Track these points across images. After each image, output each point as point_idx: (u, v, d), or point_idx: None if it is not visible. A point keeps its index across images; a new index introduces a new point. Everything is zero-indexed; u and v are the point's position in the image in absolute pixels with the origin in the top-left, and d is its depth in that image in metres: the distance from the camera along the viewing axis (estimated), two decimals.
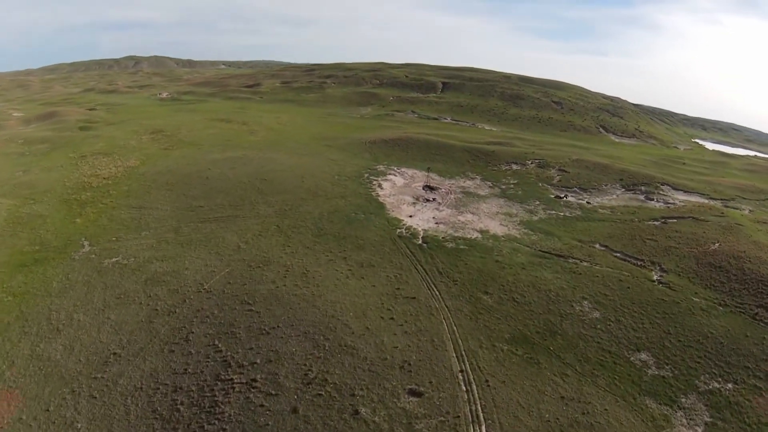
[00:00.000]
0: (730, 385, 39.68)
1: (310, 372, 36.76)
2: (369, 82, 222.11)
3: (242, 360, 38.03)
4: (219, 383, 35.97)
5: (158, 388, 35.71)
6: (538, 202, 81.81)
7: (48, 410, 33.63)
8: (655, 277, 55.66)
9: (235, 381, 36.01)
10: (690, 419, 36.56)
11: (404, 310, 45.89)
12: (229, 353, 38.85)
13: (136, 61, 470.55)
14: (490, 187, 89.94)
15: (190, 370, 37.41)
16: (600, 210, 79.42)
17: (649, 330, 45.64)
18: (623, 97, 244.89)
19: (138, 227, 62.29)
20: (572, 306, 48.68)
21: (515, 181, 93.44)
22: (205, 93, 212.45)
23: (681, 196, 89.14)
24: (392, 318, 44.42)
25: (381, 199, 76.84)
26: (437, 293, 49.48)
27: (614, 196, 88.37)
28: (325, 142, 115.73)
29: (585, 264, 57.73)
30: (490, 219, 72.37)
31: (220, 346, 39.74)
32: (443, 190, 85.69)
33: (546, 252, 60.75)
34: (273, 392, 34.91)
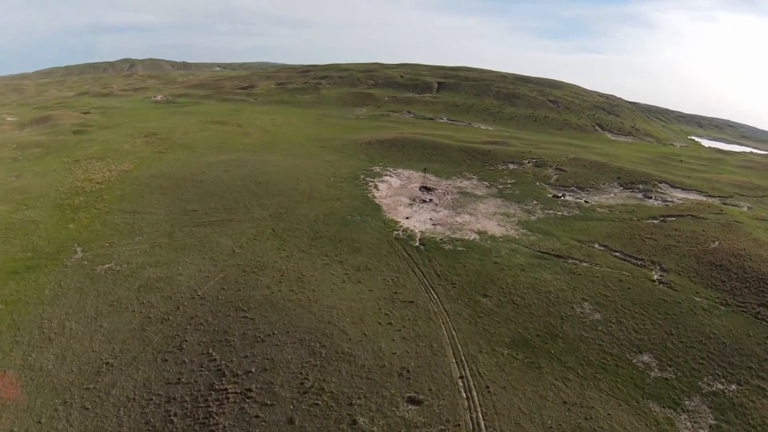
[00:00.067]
0: (733, 387, 39.06)
1: (306, 381, 35.92)
2: (364, 83, 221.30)
3: (237, 369, 37.18)
4: (213, 393, 35.13)
5: (151, 399, 34.89)
6: (535, 202, 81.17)
7: (40, 422, 32.85)
8: (655, 277, 55.04)
9: (230, 391, 35.16)
10: (694, 422, 35.91)
11: (402, 314, 45.09)
12: (223, 362, 38.00)
13: (131, 63, 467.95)
14: (487, 187, 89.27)
15: (183, 380, 36.58)
16: (598, 209, 78.84)
17: (650, 331, 44.98)
18: (619, 95, 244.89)
19: (131, 232, 61.38)
20: (572, 308, 47.99)
21: (512, 181, 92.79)
22: (200, 95, 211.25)
23: (679, 194, 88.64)
24: (390, 323, 43.61)
25: (377, 201, 76.05)
26: (435, 296, 48.73)
27: (612, 195, 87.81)
28: (320, 143, 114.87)
29: (584, 264, 57.07)
30: (487, 219, 71.67)
31: (214, 354, 38.88)
32: (440, 190, 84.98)
33: (545, 252, 60.07)
34: (268, 402, 34.08)
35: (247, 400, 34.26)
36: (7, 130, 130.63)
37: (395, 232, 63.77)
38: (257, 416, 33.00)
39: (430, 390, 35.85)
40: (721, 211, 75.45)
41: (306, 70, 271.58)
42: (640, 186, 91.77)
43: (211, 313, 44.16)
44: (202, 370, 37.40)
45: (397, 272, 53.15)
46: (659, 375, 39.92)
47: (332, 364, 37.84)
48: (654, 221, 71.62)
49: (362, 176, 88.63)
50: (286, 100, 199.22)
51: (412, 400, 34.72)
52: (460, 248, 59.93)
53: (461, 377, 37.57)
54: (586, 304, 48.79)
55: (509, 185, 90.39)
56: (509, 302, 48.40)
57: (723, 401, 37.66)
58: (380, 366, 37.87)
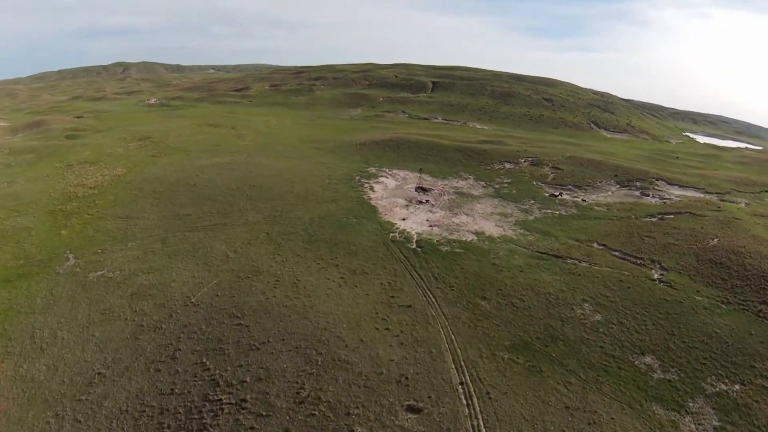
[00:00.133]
0: (737, 387, 38.44)
1: (302, 390, 35.02)
2: (358, 83, 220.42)
3: (231, 379, 36.26)
4: (207, 404, 34.22)
5: (144, 411, 34.00)
6: (533, 201, 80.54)
7: None
8: (655, 276, 54.43)
9: (224, 402, 34.24)
10: (698, 424, 35.27)
11: (400, 319, 44.24)
12: (217, 371, 37.09)
13: (124, 67, 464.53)
14: (483, 186, 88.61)
15: (177, 391, 35.67)
16: (596, 207, 78.28)
17: (652, 332, 44.33)
18: (613, 93, 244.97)
19: (124, 238, 60.36)
20: (573, 309, 47.29)
21: (509, 180, 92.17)
22: (194, 98, 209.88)
23: (676, 191, 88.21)
24: (387, 328, 42.75)
25: (373, 203, 75.25)
26: (433, 300, 47.90)
27: (609, 193, 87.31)
28: (314, 145, 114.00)
29: (584, 264, 56.41)
30: (485, 220, 70.97)
31: (208, 363, 37.97)
32: (436, 191, 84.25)
33: (543, 253, 59.39)
34: (264, 413, 33.17)
35: (242, 411, 33.35)
36: (0, 135, 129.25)
37: (391, 234, 62.97)
38: (252, 428, 32.09)
39: (429, 397, 35.01)
40: (719, 207, 75.00)
41: (300, 72, 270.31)
42: (638, 183, 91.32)
43: (204, 321, 43.26)
44: (195, 380, 36.50)
45: (394, 275, 52.32)
46: (662, 376, 39.26)
47: (329, 372, 36.96)
48: (652, 219, 71.10)
49: (357, 177, 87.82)
50: (281, 101, 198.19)
51: (411, 409, 33.86)
52: (457, 250, 59.18)
53: (461, 383, 36.75)
54: (586, 305, 48.11)
55: (506, 185, 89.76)
56: (508, 304, 47.66)
57: (727, 402, 37.04)
58: (378, 373, 37.02)
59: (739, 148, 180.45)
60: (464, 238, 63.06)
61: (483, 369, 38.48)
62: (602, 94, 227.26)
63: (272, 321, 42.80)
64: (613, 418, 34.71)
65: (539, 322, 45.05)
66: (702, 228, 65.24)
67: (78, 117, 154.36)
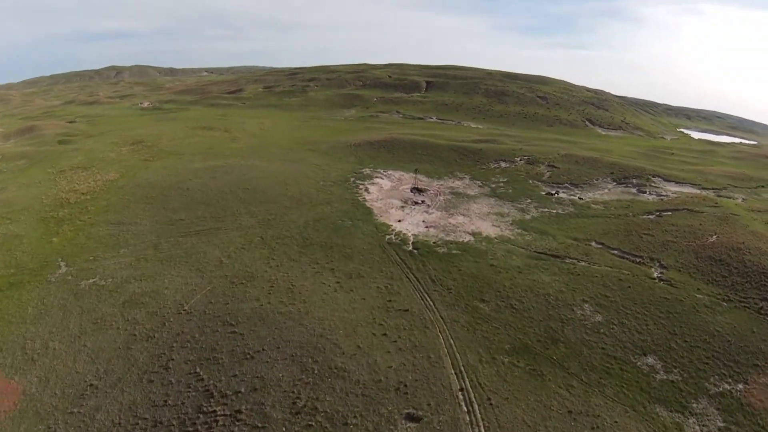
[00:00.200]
0: (740, 386, 37.96)
1: (298, 400, 34.13)
2: (352, 84, 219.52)
3: (225, 389, 35.34)
4: (201, 416, 33.31)
5: (137, 423, 33.11)
6: (529, 200, 79.92)
7: None
8: (655, 275, 53.86)
9: (219, 413, 33.33)
10: (703, 426, 34.76)
11: (397, 324, 43.41)
12: (211, 382, 36.16)
13: (117, 71, 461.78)
14: (479, 186, 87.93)
15: (170, 402, 34.75)
16: (593, 205, 77.72)
17: (653, 331, 43.72)
18: (607, 90, 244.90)
19: (116, 244, 59.32)
20: (573, 310, 46.61)
21: (505, 179, 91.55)
22: (187, 101, 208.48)
23: (673, 188, 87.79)
24: (385, 334, 41.91)
25: (368, 204, 74.40)
26: (431, 303, 47.11)
27: (606, 191, 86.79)
28: (309, 146, 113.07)
29: (583, 264, 55.77)
30: (481, 220, 70.25)
31: (201, 374, 37.03)
32: (432, 191, 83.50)
33: (541, 253, 58.72)
34: (259, 425, 32.26)
35: (237, 423, 32.46)
36: None
37: (387, 236, 62.15)
38: None
39: (429, 405, 34.20)
40: (717, 203, 74.61)
41: (293, 73, 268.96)
42: (634, 180, 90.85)
43: (198, 329, 42.31)
44: (189, 391, 35.58)
45: (390, 279, 51.50)
46: (665, 377, 38.69)
47: (325, 380, 36.09)
48: (650, 216, 70.59)
49: (352, 179, 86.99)
50: (274, 103, 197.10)
51: (410, 417, 33.05)
52: (454, 251, 58.42)
53: (461, 389, 35.97)
54: (586, 305, 47.44)
55: (502, 184, 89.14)
56: (507, 307, 46.92)
57: (731, 402, 36.53)
58: (376, 381, 36.17)
59: (733, 143, 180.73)
60: (461, 239, 62.32)
61: (483, 374, 37.73)
62: (596, 92, 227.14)
63: (267, 328, 41.90)
64: (616, 422, 34.07)
65: (539, 324, 44.34)
66: (700, 225, 64.77)
67: (70, 122, 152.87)
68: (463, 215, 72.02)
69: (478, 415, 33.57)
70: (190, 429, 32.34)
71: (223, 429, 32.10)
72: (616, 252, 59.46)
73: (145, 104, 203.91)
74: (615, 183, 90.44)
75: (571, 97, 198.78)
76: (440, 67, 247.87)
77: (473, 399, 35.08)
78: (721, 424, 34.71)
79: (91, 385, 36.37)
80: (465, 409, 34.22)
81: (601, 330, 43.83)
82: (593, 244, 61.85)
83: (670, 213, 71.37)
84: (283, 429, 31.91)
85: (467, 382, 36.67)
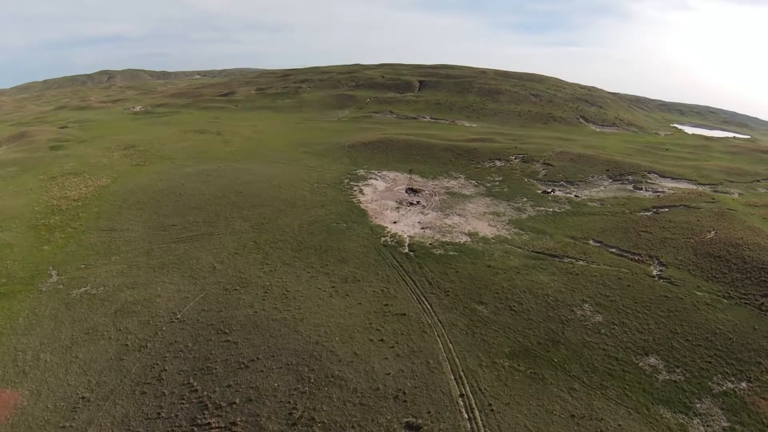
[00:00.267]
0: (743, 384, 37.31)
1: (294, 411, 33.19)
2: (345, 85, 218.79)
3: (220, 400, 34.39)
4: (195, 429, 32.39)
5: None
6: (525, 199, 79.30)
7: None
8: (654, 272, 53.28)
9: (213, 426, 32.39)
10: (707, 426, 34.08)
11: (394, 329, 42.54)
12: (205, 393, 35.22)
13: (109, 75, 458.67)
14: (474, 185, 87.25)
15: (163, 415, 33.79)
16: (589, 203, 77.18)
17: (655, 331, 43.08)
18: (599, 87, 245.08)
19: (108, 252, 58.28)
20: (573, 311, 45.91)
21: (500, 178, 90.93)
22: (179, 104, 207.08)
23: (669, 184, 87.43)
24: (382, 339, 41.02)
25: (363, 206, 73.55)
26: (428, 307, 46.27)
27: (602, 188, 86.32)
28: (302, 148, 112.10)
29: (581, 263, 55.13)
30: (477, 220, 69.53)
31: (195, 384, 36.08)
32: (427, 192, 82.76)
33: (539, 252, 58.04)
34: None
35: None
36: None
37: (383, 239, 61.32)
38: None
39: (429, 413, 33.33)
40: (713, 199, 74.31)
41: (286, 74, 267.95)
42: (630, 177, 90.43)
43: (191, 338, 41.37)
44: (183, 403, 34.63)
45: (386, 282, 50.65)
46: (668, 377, 38.01)
47: (322, 390, 35.16)
48: (647, 213, 70.12)
49: (346, 180, 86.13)
50: (267, 105, 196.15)
51: (410, 426, 32.14)
52: (451, 252, 57.65)
53: (462, 396, 35.13)
54: (586, 305, 46.76)
55: (497, 183, 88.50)
56: (506, 308, 46.17)
57: (735, 401, 35.87)
58: (374, 389, 35.28)
59: (727, 138, 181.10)
60: (458, 240, 61.57)
61: (483, 379, 36.92)
62: (589, 88, 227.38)
63: (261, 336, 40.99)
64: (620, 425, 33.36)
65: (539, 326, 43.60)
66: (698, 221, 64.33)
67: (62, 127, 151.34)
68: (459, 215, 71.29)
69: (480, 422, 32.74)
70: None
71: None
72: (614, 250, 58.89)
73: (137, 108, 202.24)
74: (611, 180, 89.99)
75: (565, 95, 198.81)
76: (433, 66, 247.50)
77: (474, 405, 34.25)
78: (726, 424, 34.06)
79: (83, 397, 35.47)
80: (466, 416, 33.36)
81: (602, 330, 43.15)
82: (591, 242, 61.27)
83: (667, 209, 70.96)
84: None
85: (467, 388, 35.85)
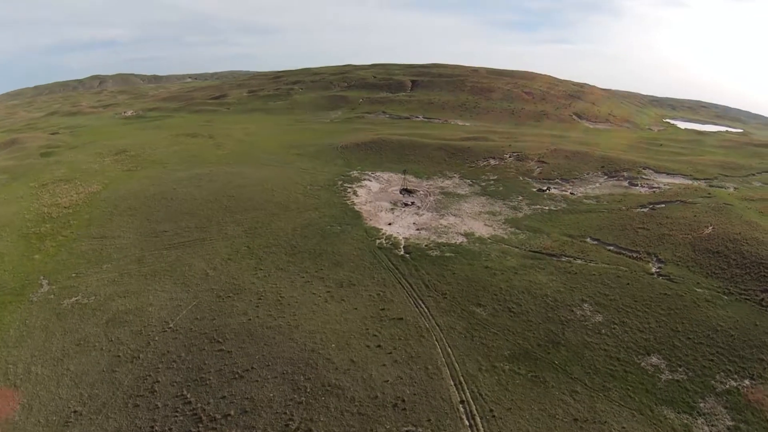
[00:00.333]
0: (746, 382, 36.80)
1: (291, 422, 32.31)
2: (337, 86, 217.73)
3: (214, 412, 33.48)
4: None
5: None
6: (521, 198, 78.65)
7: None
8: (653, 270, 52.71)
9: None
10: (711, 426, 33.53)
11: (392, 334, 41.72)
12: (199, 405, 34.30)
13: (100, 80, 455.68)
14: (469, 185, 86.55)
15: (157, 428, 32.97)
16: (585, 200, 76.63)
17: (655, 330, 42.47)
18: (591, 83, 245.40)
19: (99, 260, 57.31)
20: (572, 311, 45.23)
21: (495, 177, 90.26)
22: (171, 108, 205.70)
23: (665, 179, 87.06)
24: (379, 345, 40.19)
25: (357, 208, 72.68)
26: (426, 310, 45.47)
27: (597, 185, 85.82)
28: (295, 150, 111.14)
29: (579, 262, 54.51)
30: (473, 220, 68.80)
31: (189, 396, 35.17)
32: (421, 192, 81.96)
33: (537, 252, 57.37)
34: None
35: None
36: None
37: (378, 241, 60.46)
38: None
39: (429, 421, 32.53)
40: (709, 194, 73.93)
41: (278, 76, 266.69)
42: (625, 173, 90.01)
43: (184, 348, 40.44)
44: (176, 416, 33.74)
45: (382, 286, 49.81)
46: (670, 377, 37.41)
47: (319, 399, 34.29)
48: (643, 209, 69.61)
49: (340, 182, 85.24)
50: (259, 107, 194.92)
51: None
52: (447, 254, 56.86)
53: (462, 402, 34.35)
54: (585, 305, 46.10)
55: (492, 182, 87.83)
56: (505, 310, 45.42)
57: (738, 399, 35.35)
58: (372, 398, 34.44)
59: (720, 132, 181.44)
60: (454, 241, 60.80)
61: (484, 384, 36.15)
62: (581, 85, 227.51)
63: (256, 345, 40.06)
64: (624, 428, 32.73)
65: (539, 328, 42.89)
66: (695, 216, 63.86)
67: (53, 134, 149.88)
68: (455, 215, 70.54)
69: (481, 429, 31.96)
70: None
71: None
72: (612, 248, 58.30)
73: (128, 113, 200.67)
74: (606, 177, 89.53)
75: (557, 92, 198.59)
76: (425, 65, 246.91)
77: (475, 412, 33.48)
78: (730, 423, 33.51)
79: (75, 411, 34.71)
80: (467, 423, 32.59)
81: (602, 330, 42.50)
82: (588, 240, 60.68)
83: (663, 205, 70.46)
84: None
85: (468, 394, 35.07)
